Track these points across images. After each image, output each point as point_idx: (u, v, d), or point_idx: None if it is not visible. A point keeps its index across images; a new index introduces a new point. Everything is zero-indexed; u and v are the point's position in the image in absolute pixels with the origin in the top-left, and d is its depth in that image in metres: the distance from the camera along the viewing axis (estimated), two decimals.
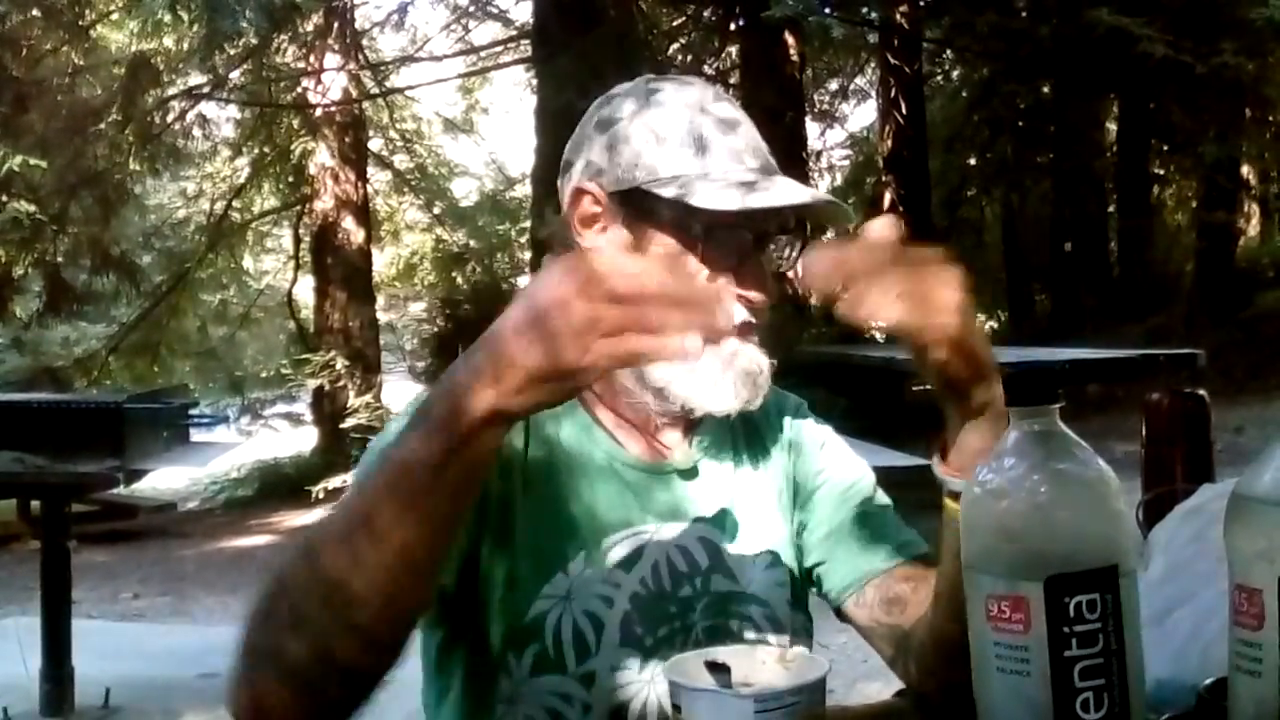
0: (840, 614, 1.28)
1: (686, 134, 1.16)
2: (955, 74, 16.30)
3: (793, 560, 1.28)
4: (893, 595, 1.21)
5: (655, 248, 1.15)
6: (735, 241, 1.15)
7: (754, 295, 1.16)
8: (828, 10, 11.49)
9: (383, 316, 16.93)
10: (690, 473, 1.24)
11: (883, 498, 1.31)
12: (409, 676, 1.27)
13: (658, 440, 1.24)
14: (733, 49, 14.12)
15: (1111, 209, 15.24)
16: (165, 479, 14.27)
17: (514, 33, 15.42)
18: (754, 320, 1.17)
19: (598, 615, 1.15)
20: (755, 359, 1.17)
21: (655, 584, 1.18)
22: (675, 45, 14.92)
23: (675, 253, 1.14)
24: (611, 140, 1.18)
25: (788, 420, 1.33)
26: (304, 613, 0.88)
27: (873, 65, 16.05)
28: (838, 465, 1.31)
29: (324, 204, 14.29)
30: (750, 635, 1.22)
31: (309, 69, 14.24)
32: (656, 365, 1.15)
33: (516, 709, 1.13)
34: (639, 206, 1.16)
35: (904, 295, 0.90)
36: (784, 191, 1.13)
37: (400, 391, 13.66)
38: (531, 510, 1.16)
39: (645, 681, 1.16)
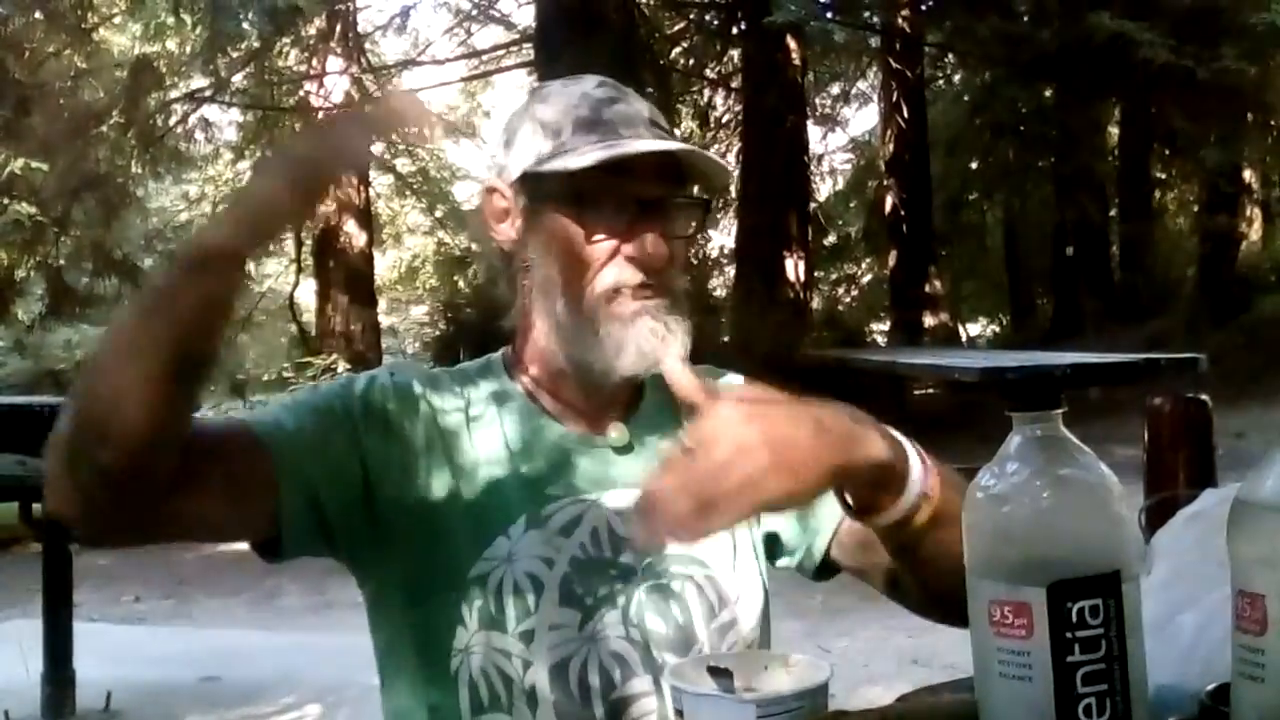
0: (826, 567, 1.29)
1: (562, 115, 1.23)
2: (957, 78, 16.32)
3: (742, 527, 1.29)
4: (864, 536, 1.18)
5: (548, 224, 1.23)
6: (617, 206, 1.20)
7: (642, 255, 1.20)
8: (829, 15, 11.50)
9: (385, 320, 16.97)
10: (626, 449, 1.28)
11: None
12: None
13: (596, 420, 1.29)
14: (735, 53, 14.15)
15: (1113, 213, 15.25)
16: None
17: (516, 36, 15.47)
18: (652, 283, 1.21)
19: (537, 576, 1.19)
20: (658, 320, 1.21)
21: (595, 549, 1.22)
22: (677, 49, 14.96)
23: (564, 225, 1.22)
24: (507, 137, 1.28)
25: (723, 389, 1.33)
26: (75, 393, 1.06)
27: (874, 69, 16.08)
28: None
29: (326, 208, 14.30)
30: (691, 594, 1.24)
31: (311, 72, 14.28)
32: (571, 336, 1.22)
33: (470, 660, 1.17)
34: (530, 190, 1.24)
35: (752, 484, 0.85)
36: (634, 144, 1.19)
37: None
38: (466, 475, 1.22)
39: (585, 639, 1.19)
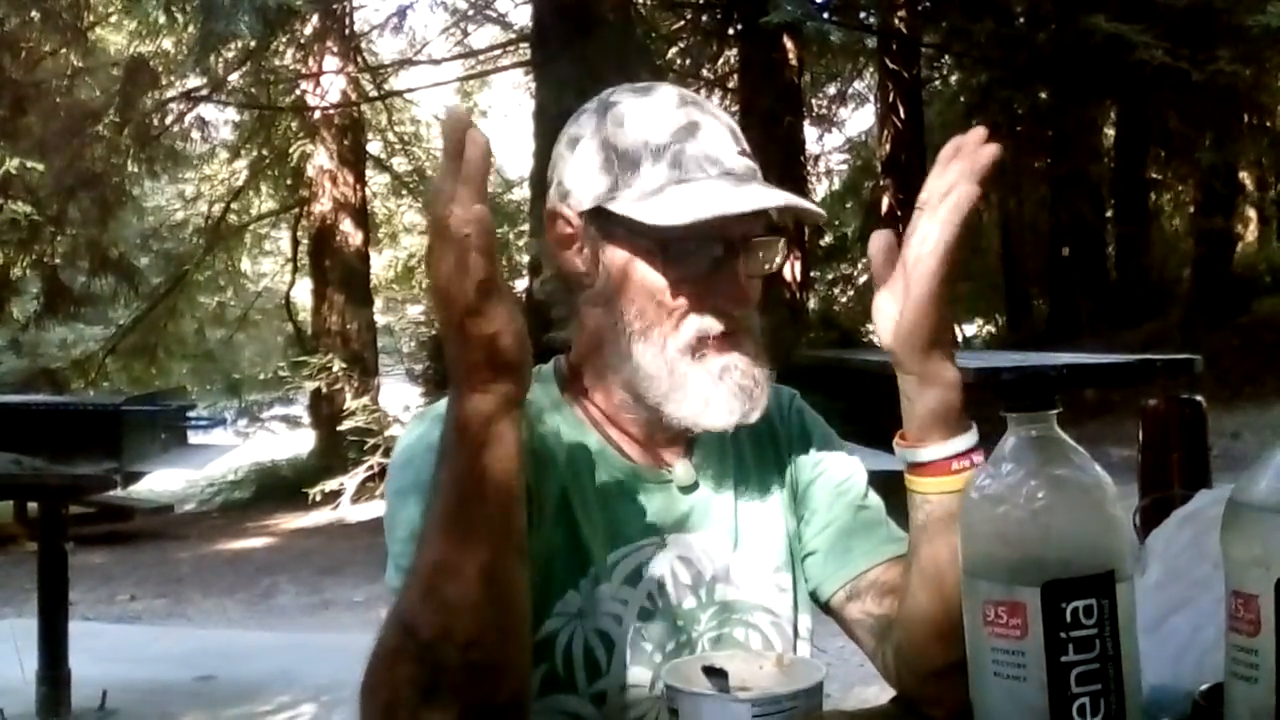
0: (827, 607, 1.27)
1: (639, 144, 1.14)
2: (953, 79, 16.32)
3: (796, 561, 1.27)
4: (883, 590, 1.20)
5: (622, 266, 1.15)
6: (702, 252, 1.12)
7: (728, 306, 1.13)
8: (826, 15, 11.50)
9: (380, 319, 16.94)
10: (691, 486, 1.23)
11: (874, 495, 1.31)
12: None
13: (659, 454, 1.23)
14: (731, 53, 14.14)
15: (1109, 214, 15.27)
16: (162, 481, 14.26)
17: (513, 36, 15.45)
18: (736, 331, 1.14)
19: (609, 634, 1.14)
20: (746, 371, 1.14)
21: (661, 598, 1.18)
22: (674, 49, 14.94)
23: (642, 270, 1.13)
24: (577, 159, 1.17)
25: (783, 419, 1.32)
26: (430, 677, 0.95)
27: (871, 70, 16.08)
28: (831, 460, 1.31)
29: (322, 206, 14.30)
30: (755, 642, 1.21)
31: (308, 72, 14.25)
32: (649, 385, 1.14)
33: None
34: (603, 225, 1.15)
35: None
36: (733, 199, 1.09)
37: (397, 394, 13.67)
38: (539, 526, 1.12)
39: (655, 698, 1.15)
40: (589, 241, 1.16)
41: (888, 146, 14.48)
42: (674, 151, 1.13)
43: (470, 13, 15.98)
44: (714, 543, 1.22)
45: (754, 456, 1.29)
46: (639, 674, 1.15)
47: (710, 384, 1.13)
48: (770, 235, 1.16)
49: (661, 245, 1.11)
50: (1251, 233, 16.11)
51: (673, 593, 1.18)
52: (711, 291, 1.13)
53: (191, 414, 15.78)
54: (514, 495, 0.97)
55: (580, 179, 1.16)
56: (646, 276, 1.13)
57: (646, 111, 1.16)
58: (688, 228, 1.08)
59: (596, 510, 1.17)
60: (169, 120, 13.92)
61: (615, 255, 1.14)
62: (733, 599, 1.21)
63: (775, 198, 1.11)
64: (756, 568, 1.23)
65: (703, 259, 1.12)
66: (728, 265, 1.13)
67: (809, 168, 15.91)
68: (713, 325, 1.13)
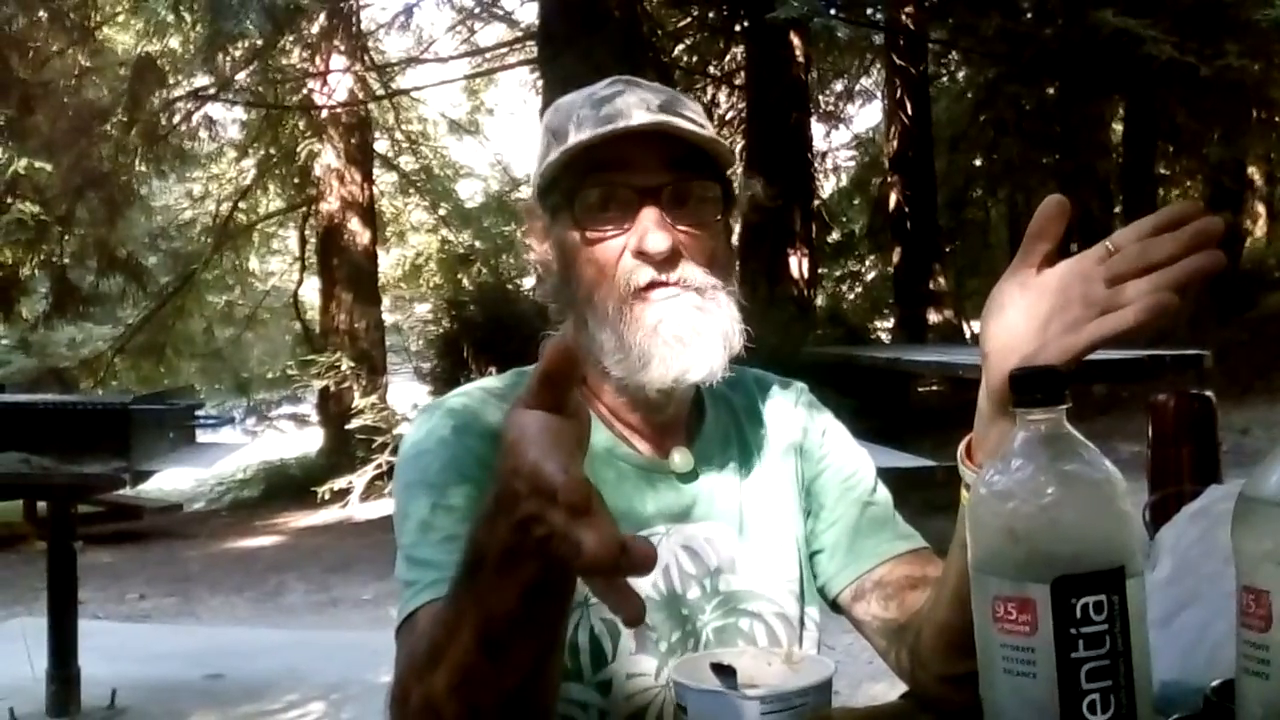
0: (835, 604, 1.27)
1: (565, 119, 1.16)
2: (960, 75, 16.30)
3: (802, 554, 1.27)
4: (890, 589, 1.20)
5: (560, 240, 1.17)
6: (611, 200, 1.12)
7: (647, 248, 1.10)
8: (833, 12, 11.48)
9: (388, 317, 16.96)
10: (690, 475, 1.23)
11: (882, 489, 1.30)
12: None
13: (659, 442, 1.23)
14: (738, 50, 14.13)
15: (1117, 210, 15.24)
16: (171, 480, 14.31)
17: (519, 34, 15.45)
18: (668, 279, 1.12)
19: (614, 622, 1.13)
20: (683, 323, 1.12)
21: (667, 587, 1.18)
22: (680, 46, 14.94)
23: (570, 234, 1.15)
24: (535, 152, 1.21)
25: (790, 414, 1.32)
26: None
27: (878, 66, 16.07)
28: (839, 454, 1.31)
29: (330, 205, 14.32)
30: (760, 633, 1.21)
31: (315, 70, 14.27)
32: (608, 356, 1.14)
33: None
34: (545, 208, 1.19)
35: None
36: (594, 132, 1.10)
37: (405, 392, 13.68)
38: None
39: (660, 686, 1.15)
40: (548, 229, 1.19)
41: (895, 143, 14.47)
42: (581, 117, 1.14)
43: (477, 11, 16.00)
44: (719, 533, 1.22)
45: (761, 448, 1.29)
46: (644, 663, 1.15)
47: (646, 339, 1.11)
48: (683, 179, 1.13)
49: (575, 200, 1.13)
50: (1260, 228, 16.05)
51: (677, 582, 1.18)
52: (636, 241, 1.12)
53: (200, 413, 15.85)
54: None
55: (534, 170, 1.19)
56: (574, 238, 1.14)
57: (578, 94, 1.19)
58: (598, 181, 1.11)
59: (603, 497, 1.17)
60: (176, 119, 13.95)
61: (556, 234, 1.18)
62: (737, 589, 1.21)
63: (640, 121, 1.10)
64: (762, 559, 1.23)
65: (616, 208, 1.12)
66: (645, 214, 1.11)
67: (816, 164, 15.90)
68: (638, 273, 1.11)
